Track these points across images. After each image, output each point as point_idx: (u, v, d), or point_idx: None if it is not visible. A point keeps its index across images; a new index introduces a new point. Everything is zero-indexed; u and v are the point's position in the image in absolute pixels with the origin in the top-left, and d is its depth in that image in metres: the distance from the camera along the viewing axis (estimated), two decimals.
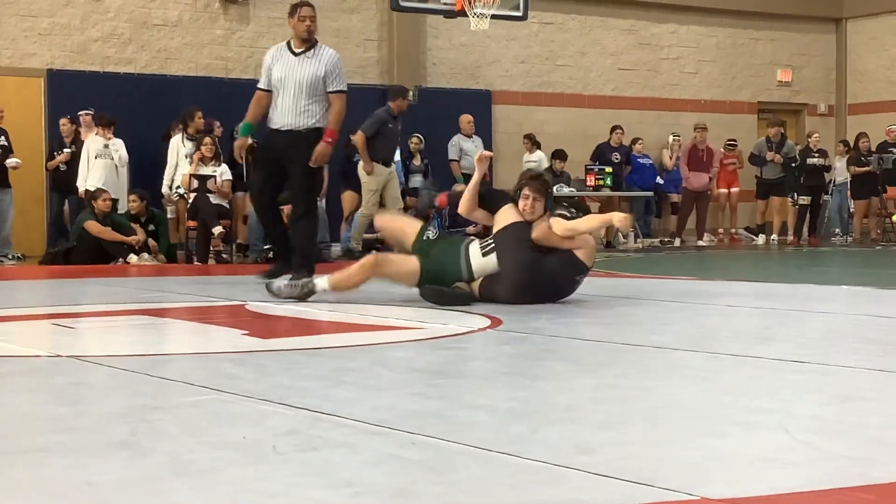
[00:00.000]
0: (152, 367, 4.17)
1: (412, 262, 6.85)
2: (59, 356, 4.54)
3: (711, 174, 17.82)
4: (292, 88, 8.09)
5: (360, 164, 13.33)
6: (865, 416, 3.18)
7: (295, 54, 8.15)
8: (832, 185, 18.52)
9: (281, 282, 7.25)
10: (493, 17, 14.65)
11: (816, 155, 17.69)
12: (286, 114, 8.10)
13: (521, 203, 6.82)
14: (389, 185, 13.27)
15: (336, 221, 14.40)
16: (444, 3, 14.64)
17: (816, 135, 18.14)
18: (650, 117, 18.94)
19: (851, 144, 18.23)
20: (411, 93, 13.44)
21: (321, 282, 6.99)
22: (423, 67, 17.24)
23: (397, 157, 14.30)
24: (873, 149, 17.98)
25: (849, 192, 18.25)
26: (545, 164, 16.21)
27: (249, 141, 8.86)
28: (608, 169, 16.37)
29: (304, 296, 7.00)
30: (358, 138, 13.19)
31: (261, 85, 8.25)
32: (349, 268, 6.94)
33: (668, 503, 2.26)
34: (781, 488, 2.36)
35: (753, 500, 2.26)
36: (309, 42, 8.17)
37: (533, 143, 16.51)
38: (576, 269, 6.77)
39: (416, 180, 15.29)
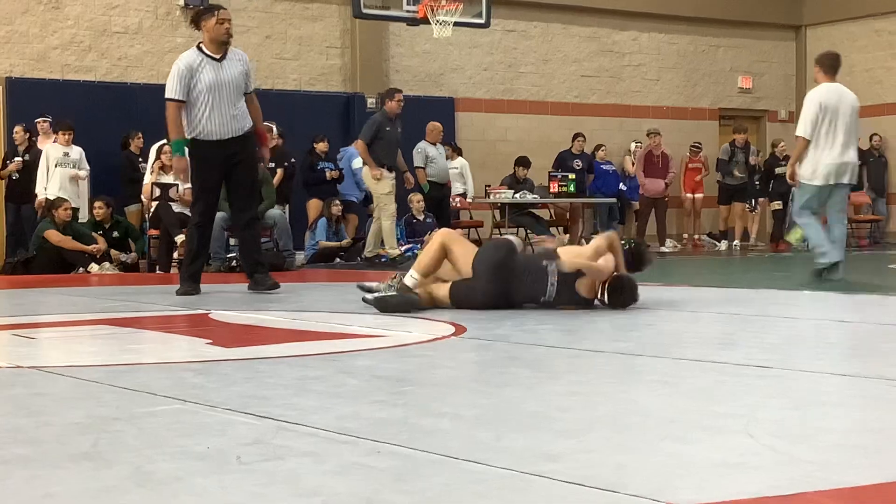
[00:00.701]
0: (114, 378, 4.13)
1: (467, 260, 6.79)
2: (19, 367, 4.50)
3: (668, 180, 17.92)
4: (226, 94, 7.99)
5: (365, 171, 13.26)
6: (829, 421, 3.20)
7: (217, 59, 8.01)
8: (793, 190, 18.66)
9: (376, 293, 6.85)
10: (456, 24, 14.67)
11: (783, 163, 17.84)
12: (226, 122, 7.98)
13: None
14: (394, 190, 13.21)
15: (300, 230, 14.34)
16: (407, 11, 14.64)
17: (783, 143, 18.30)
18: (613, 124, 19.04)
19: None
20: (395, 97, 13.32)
21: (409, 279, 6.81)
22: (386, 75, 17.24)
23: (358, 163, 14.25)
24: None
25: None
26: (468, 171, 16.19)
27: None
28: (571, 176, 16.42)
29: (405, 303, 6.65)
30: (358, 146, 13.14)
31: (179, 96, 7.99)
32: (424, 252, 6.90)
33: None
34: (746, 493, 2.37)
35: None
36: (227, 45, 8.05)
37: (454, 149, 16.41)
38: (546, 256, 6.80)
39: None
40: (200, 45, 8.16)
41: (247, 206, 8.32)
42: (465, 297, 6.77)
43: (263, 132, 8.29)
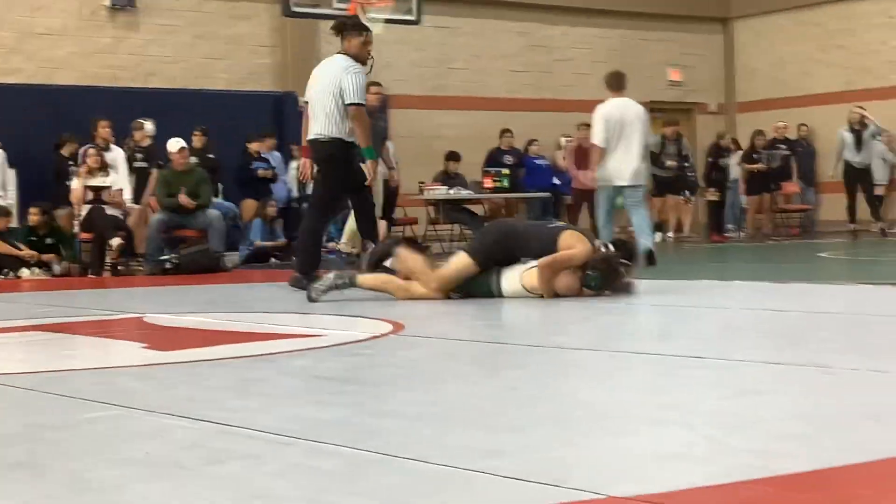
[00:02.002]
0: (48, 384, 4.07)
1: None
2: None
3: None
4: None
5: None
6: (765, 410, 3.24)
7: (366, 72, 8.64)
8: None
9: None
10: (387, 21, 14.62)
11: (726, 154, 18.08)
12: None
13: None
14: (376, 186, 13.06)
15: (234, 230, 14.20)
16: (337, 9, 14.55)
17: (728, 135, 18.57)
18: (546, 119, 19.08)
19: (749, 142, 18.53)
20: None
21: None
22: None
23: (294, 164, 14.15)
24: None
25: (741, 189, 18.60)
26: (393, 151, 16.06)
27: None
28: (506, 171, 16.46)
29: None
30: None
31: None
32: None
33: (576, 503, 2.26)
34: (687, 484, 2.38)
35: (660, 497, 2.27)
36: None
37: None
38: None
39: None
40: (347, 54, 8.49)
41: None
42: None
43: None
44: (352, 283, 7.13)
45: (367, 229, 8.82)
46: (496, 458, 2.66)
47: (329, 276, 7.15)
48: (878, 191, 18.00)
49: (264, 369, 4.42)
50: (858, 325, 5.53)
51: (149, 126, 13.72)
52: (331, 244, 14.31)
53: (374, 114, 13.12)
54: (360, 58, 8.47)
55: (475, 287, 7.05)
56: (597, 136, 10.57)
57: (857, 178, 17.41)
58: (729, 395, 3.52)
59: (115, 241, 12.11)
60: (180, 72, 16.12)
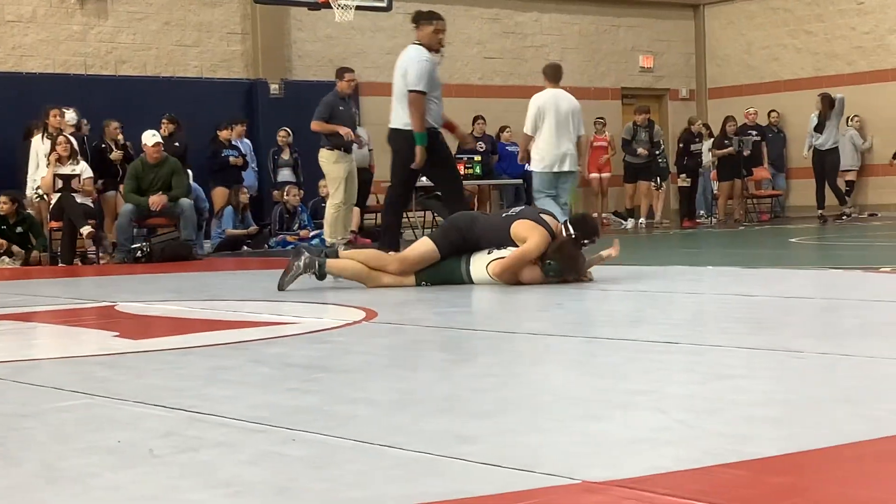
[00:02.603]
0: (19, 374, 4.04)
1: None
2: None
3: None
4: (439, 90, 9.02)
5: (321, 154, 12.97)
6: (737, 394, 3.25)
7: (437, 61, 9.01)
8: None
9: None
10: (358, 8, 14.61)
11: (697, 140, 18.09)
12: (437, 116, 8.92)
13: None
14: (350, 175, 13.00)
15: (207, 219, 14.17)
16: None
17: (700, 121, 18.59)
18: (517, 105, 19.03)
19: (719, 127, 18.56)
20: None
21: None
22: (289, 60, 17.10)
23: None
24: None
25: (713, 175, 18.68)
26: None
27: None
28: (477, 158, 16.44)
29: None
30: (316, 127, 12.80)
31: (427, 88, 8.76)
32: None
33: (549, 488, 2.26)
34: (659, 468, 2.38)
35: (633, 481, 2.28)
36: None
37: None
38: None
39: (285, 174, 15.12)
40: (419, 43, 8.84)
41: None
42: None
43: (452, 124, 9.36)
44: (321, 270, 7.10)
45: (453, 209, 8.83)
46: (469, 444, 2.65)
47: (299, 265, 7.12)
48: (850, 176, 18.08)
49: (236, 357, 4.40)
50: (829, 310, 5.56)
51: (70, 115, 13.48)
52: (302, 232, 14.29)
53: (346, 100, 13.12)
54: (432, 46, 8.92)
55: (446, 274, 7.06)
56: (527, 124, 11.13)
57: (822, 162, 17.44)
58: (701, 379, 3.53)
59: (86, 230, 12.03)
60: (151, 59, 16.03)
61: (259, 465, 2.55)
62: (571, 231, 6.99)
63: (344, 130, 13.18)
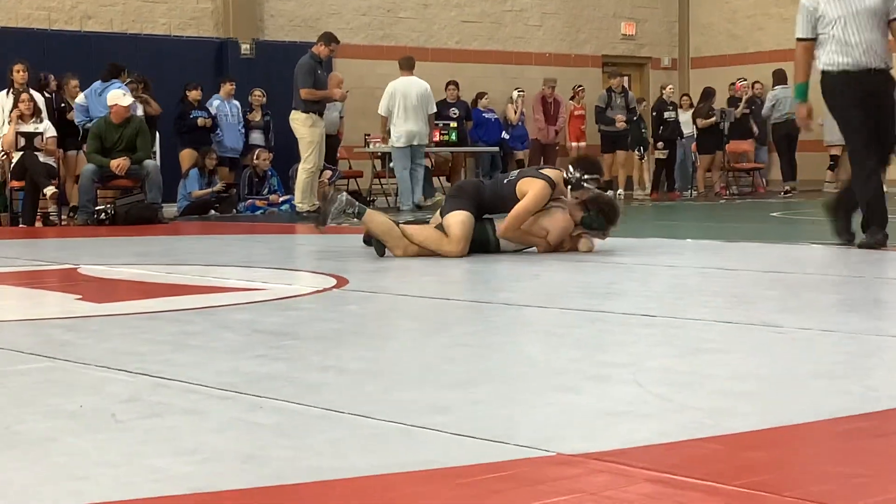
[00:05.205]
0: None
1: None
2: None
3: (558, 127, 17.99)
4: (864, 21, 7.08)
5: (294, 116, 12.81)
6: (714, 368, 3.21)
7: None
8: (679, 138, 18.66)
9: None
10: None
11: (671, 108, 17.92)
12: (877, 50, 7.10)
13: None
14: (322, 139, 12.88)
15: (173, 181, 13.93)
16: None
17: (670, 87, 18.37)
18: (494, 71, 18.92)
19: (701, 97, 18.44)
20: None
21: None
22: (261, 20, 16.88)
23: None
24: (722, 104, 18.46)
25: (693, 146, 18.49)
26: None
27: None
28: (453, 124, 16.29)
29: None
30: (305, 94, 12.66)
31: (808, 34, 7.23)
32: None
33: (523, 460, 2.23)
34: (635, 441, 2.36)
35: (608, 454, 2.25)
36: None
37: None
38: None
39: (255, 137, 14.92)
40: None
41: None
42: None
43: None
44: (359, 216, 6.92)
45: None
46: (442, 414, 2.60)
47: (342, 199, 6.95)
48: (835, 150, 17.92)
49: (203, 323, 4.33)
50: (809, 285, 5.53)
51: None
52: (272, 197, 14.16)
53: (322, 63, 13.01)
54: None
55: (479, 242, 6.96)
56: (381, 107, 13.97)
57: (785, 134, 17.47)
58: (679, 353, 3.50)
59: (49, 190, 11.84)
60: (117, 15, 15.74)
61: (225, 432, 2.49)
62: (575, 173, 6.96)
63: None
